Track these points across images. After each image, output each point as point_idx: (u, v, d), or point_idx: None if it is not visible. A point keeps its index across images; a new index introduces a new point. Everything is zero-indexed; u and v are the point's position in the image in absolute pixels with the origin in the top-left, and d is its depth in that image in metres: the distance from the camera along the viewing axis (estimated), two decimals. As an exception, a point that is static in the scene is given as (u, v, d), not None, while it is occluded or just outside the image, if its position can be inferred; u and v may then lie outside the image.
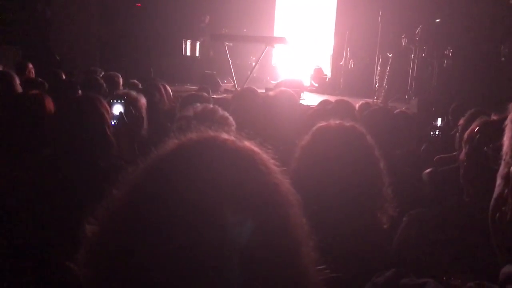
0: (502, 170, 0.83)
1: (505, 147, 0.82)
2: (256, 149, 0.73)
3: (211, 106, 2.06)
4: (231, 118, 2.05)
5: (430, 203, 2.17)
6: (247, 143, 0.73)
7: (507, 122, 0.82)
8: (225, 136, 0.73)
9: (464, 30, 8.70)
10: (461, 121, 2.85)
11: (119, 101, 2.40)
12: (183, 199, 0.63)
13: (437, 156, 3.24)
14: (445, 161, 3.13)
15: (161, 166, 0.69)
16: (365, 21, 9.63)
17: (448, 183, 2.34)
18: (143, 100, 2.66)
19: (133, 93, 2.63)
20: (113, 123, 2.23)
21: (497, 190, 0.84)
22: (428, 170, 2.81)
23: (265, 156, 0.73)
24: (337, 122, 1.54)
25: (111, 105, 2.31)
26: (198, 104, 2.03)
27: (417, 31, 8.28)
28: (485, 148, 0.93)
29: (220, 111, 2.04)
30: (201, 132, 0.73)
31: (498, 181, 0.83)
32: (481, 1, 8.86)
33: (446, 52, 8.08)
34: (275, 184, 0.70)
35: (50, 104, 2.15)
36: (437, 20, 8.32)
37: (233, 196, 0.64)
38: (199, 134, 0.73)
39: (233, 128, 1.98)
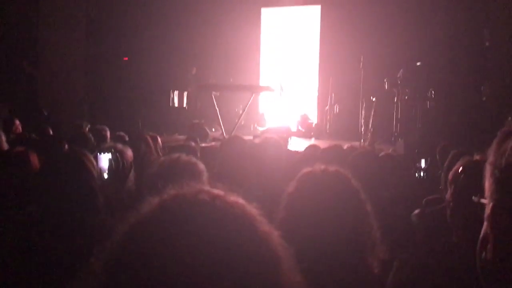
0: (486, 211, 0.84)
1: (487, 191, 0.83)
2: (242, 204, 0.69)
3: (176, 155, 2.04)
4: (200, 164, 2.03)
5: (420, 245, 2.17)
6: (234, 198, 0.69)
7: (487, 165, 0.84)
8: (210, 191, 0.69)
9: (444, 72, 8.96)
10: (446, 162, 2.89)
11: (106, 153, 2.40)
12: (166, 269, 0.58)
13: (426, 198, 3.26)
14: (433, 202, 3.15)
15: (140, 230, 0.63)
16: (347, 66, 9.89)
17: (437, 224, 2.34)
18: (129, 153, 2.67)
19: (120, 145, 2.63)
20: (105, 175, 2.22)
21: (482, 231, 0.85)
22: (416, 212, 2.81)
23: (254, 211, 0.69)
24: (322, 167, 1.55)
25: (98, 158, 2.31)
26: (166, 157, 2.02)
27: (398, 75, 8.50)
28: (473, 197, 0.94)
29: (185, 157, 2.02)
30: (182, 187, 0.69)
31: (484, 222, 0.84)
32: (459, 44, 9.19)
33: (429, 94, 8.27)
34: (267, 241, 0.66)
35: (35, 161, 2.14)
36: (418, 63, 8.57)
37: (224, 262, 0.59)
38: (179, 191, 0.68)
39: (203, 175, 1.98)
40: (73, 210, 1.89)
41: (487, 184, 0.83)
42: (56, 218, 1.86)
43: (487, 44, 8.89)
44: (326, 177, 1.51)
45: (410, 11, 9.76)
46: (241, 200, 0.70)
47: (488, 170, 0.83)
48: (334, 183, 1.49)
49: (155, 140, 4.38)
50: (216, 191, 0.69)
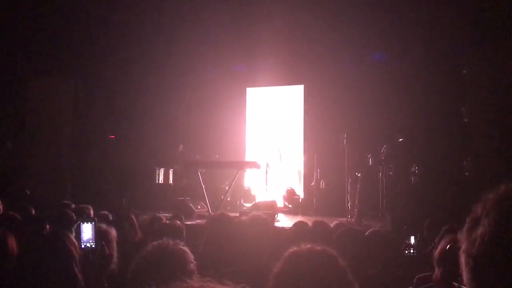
0: None
1: (464, 278, 0.82)
2: None
3: (165, 242, 1.99)
4: (188, 253, 1.99)
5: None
6: None
7: (460, 252, 0.83)
8: None
9: (427, 147, 9.16)
10: (437, 238, 2.87)
11: (88, 222, 2.33)
12: None
13: (417, 276, 3.20)
14: (425, 280, 3.09)
15: None
16: (331, 143, 10.07)
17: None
18: (113, 233, 2.61)
19: (103, 226, 2.59)
20: (92, 245, 2.15)
21: None
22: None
23: None
24: (308, 246, 1.52)
25: (80, 228, 2.24)
26: (152, 243, 1.98)
27: (382, 150, 8.65)
28: (454, 283, 0.92)
29: (175, 245, 1.98)
30: None
31: None
32: (439, 120, 9.48)
33: (412, 169, 8.39)
34: None
35: (13, 244, 2.08)
36: (400, 139, 8.76)
37: None
38: None
39: (192, 263, 1.93)
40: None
41: (464, 272, 0.81)
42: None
43: (465, 120, 9.18)
44: (313, 256, 1.48)
45: (391, 88, 10.13)
46: None
47: (462, 258, 0.82)
48: (320, 262, 1.46)
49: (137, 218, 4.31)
50: None
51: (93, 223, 2.23)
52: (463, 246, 0.81)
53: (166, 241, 2.00)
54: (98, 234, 2.24)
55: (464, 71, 9.11)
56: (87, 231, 2.20)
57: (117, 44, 10.73)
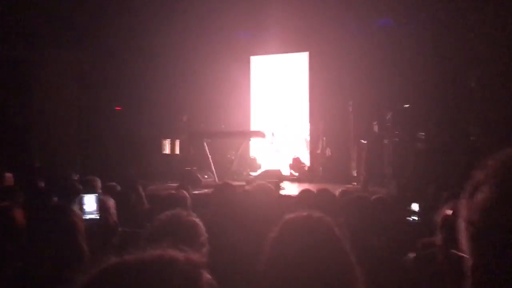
0: (467, 268, 0.80)
1: (464, 247, 0.80)
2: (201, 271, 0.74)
3: (178, 213, 2.00)
4: (200, 226, 2.01)
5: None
6: (195, 264, 0.74)
7: (460, 220, 0.81)
8: (172, 256, 0.73)
9: (433, 113, 9.09)
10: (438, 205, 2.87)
11: (90, 194, 2.36)
12: None
13: (422, 241, 3.22)
14: (429, 245, 3.11)
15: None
16: (337, 110, 10.03)
17: (430, 269, 2.30)
18: (110, 203, 2.64)
19: (103, 196, 2.61)
20: (96, 216, 2.17)
21: None
22: (412, 255, 2.77)
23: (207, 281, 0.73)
24: (305, 214, 1.52)
25: (82, 199, 2.27)
26: (165, 213, 1.99)
27: (388, 117, 8.60)
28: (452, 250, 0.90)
29: (187, 217, 1.99)
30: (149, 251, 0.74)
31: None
32: (446, 86, 9.37)
33: (418, 135, 8.35)
34: None
35: (20, 216, 2.11)
36: (406, 105, 8.70)
37: None
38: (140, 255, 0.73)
39: (202, 236, 1.95)
40: (59, 267, 1.85)
41: (463, 240, 0.79)
42: (43, 275, 1.82)
43: (472, 85, 9.07)
44: (309, 224, 1.48)
45: (397, 54, 10.00)
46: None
47: (462, 226, 0.80)
48: (316, 230, 1.46)
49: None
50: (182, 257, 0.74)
51: (95, 194, 2.25)
52: (463, 213, 0.80)
53: (179, 212, 2.02)
54: (102, 205, 2.26)
55: (472, 35, 8.94)
56: (89, 203, 2.23)
57: (121, 16, 10.61)
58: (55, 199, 3.69)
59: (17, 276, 1.84)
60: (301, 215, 1.51)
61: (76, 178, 5.21)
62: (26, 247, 1.90)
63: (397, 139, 8.32)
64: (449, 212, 1.77)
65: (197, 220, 2.05)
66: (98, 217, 2.24)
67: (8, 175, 5.84)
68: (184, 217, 1.99)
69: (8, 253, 2.00)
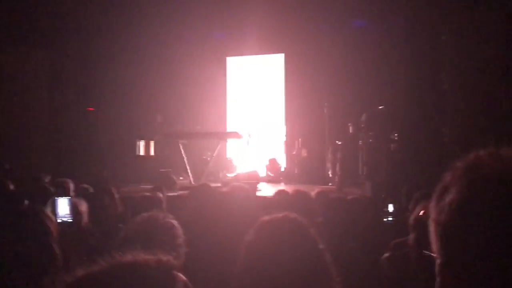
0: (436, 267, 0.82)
1: (433, 247, 0.82)
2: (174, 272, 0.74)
3: (154, 215, 1.98)
4: (177, 226, 1.99)
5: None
6: (167, 266, 0.74)
7: (430, 221, 0.82)
8: (146, 260, 0.73)
9: (406, 115, 9.24)
10: (410, 205, 2.92)
11: (63, 197, 2.31)
12: None
13: (394, 241, 3.27)
14: (401, 245, 3.16)
15: None
16: (313, 112, 10.10)
17: (403, 269, 2.33)
18: (84, 206, 2.59)
19: (74, 200, 2.57)
20: (69, 219, 2.13)
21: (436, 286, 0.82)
22: (385, 255, 2.81)
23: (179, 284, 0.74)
24: (280, 215, 1.53)
25: (55, 203, 2.22)
26: (142, 215, 1.97)
27: (362, 119, 8.71)
28: (423, 251, 0.92)
29: (163, 219, 1.97)
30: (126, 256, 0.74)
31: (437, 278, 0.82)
32: (419, 88, 9.54)
33: (392, 136, 8.48)
34: None
35: (-12, 220, 2.05)
36: (380, 107, 8.82)
37: None
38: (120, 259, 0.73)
39: (179, 239, 1.93)
40: (31, 270, 1.81)
41: (433, 240, 0.81)
42: (14, 278, 1.77)
43: (445, 87, 9.26)
44: (283, 225, 1.49)
45: (371, 56, 10.13)
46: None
47: (432, 226, 0.82)
48: (291, 231, 1.46)
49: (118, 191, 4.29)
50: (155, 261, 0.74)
51: (68, 197, 2.21)
52: (432, 214, 0.81)
53: (156, 214, 2.00)
54: (74, 208, 2.22)
55: (443, 38, 9.13)
56: (62, 206, 2.18)
57: (94, 15, 10.45)
58: (26, 202, 3.60)
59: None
60: (276, 216, 1.52)
61: (47, 180, 5.09)
62: (-4, 252, 1.85)
63: (371, 140, 8.43)
64: (421, 212, 1.80)
65: (174, 222, 2.03)
66: (70, 220, 2.19)
67: (-23, 177, 5.68)
68: (161, 219, 1.97)
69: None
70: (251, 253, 1.45)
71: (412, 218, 1.80)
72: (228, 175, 10.47)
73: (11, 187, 5.06)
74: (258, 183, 8.37)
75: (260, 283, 1.36)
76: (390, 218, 3.50)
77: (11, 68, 10.38)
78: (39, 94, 10.61)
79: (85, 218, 2.49)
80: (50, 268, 1.86)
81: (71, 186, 4.86)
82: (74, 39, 10.71)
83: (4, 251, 1.83)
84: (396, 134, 8.47)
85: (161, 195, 4.16)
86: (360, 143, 8.48)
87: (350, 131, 8.87)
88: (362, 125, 8.58)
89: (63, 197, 2.22)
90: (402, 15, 9.88)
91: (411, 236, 1.76)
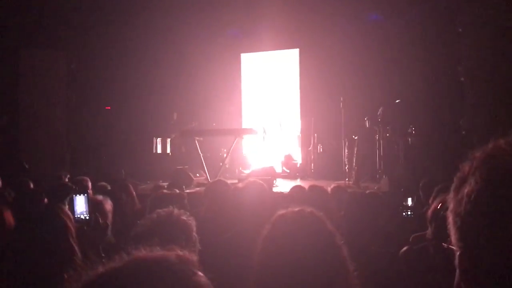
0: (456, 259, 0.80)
1: (452, 238, 0.80)
2: (192, 268, 0.74)
3: (169, 211, 1.99)
4: (190, 222, 2.00)
5: (407, 285, 2.13)
6: (187, 262, 0.74)
7: (448, 212, 0.81)
8: (166, 257, 0.73)
9: (423, 108, 9.13)
10: (430, 199, 2.88)
11: (81, 194, 2.32)
12: None
13: (413, 235, 3.24)
14: (420, 239, 3.13)
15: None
16: (328, 107, 10.04)
17: (424, 262, 2.31)
18: (108, 204, 2.62)
19: (99, 197, 2.59)
20: (86, 217, 2.14)
21: (456, 278, 0.81)
22: (404, 249, 2.79)
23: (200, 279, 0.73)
24: (297, 209, 1.52)
25: (73, 200, 2.23)
26: (157, 211, 1.98)
27: (378, 113, 8.62)
28: (443, 243, 0.90)
29: (177, 216, 1.98)
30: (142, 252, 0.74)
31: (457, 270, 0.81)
32: (436, 80, 9.42)
33: (409, 130, 8.39)
34: None
35: (9, 218, 2.08)
36: (397, 101, 8.72)
37: None
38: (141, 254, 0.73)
39: (193, 235, 1.94)
40: (50, 267, 1.83)
41: (451, 232, 0.80)
42: (32, 275, 1.80)
43: (462, 79, 9.12)
44: (300, 219, 1.48)
45: (387, 50, 10.04)
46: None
47: (450, 217, 0.80)
48: (308, 225, 1.45)
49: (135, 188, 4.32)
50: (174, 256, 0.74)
51: (85, 195, 2.22)
52: (451, 206, 0.80)
53: (170, 209, 2.01)
54: (92, 206, 2.24)
55: (460, 30, 8.98)
56: (80, 203, 2.20)
57: (110, 14, 10.54)
58: (45, 200, 3.65)
59: (8, 277, 1.82)
60: (292, 210, 1.51)
61: (67, 179, 5.16)
62: (16, 249, 1.88)
63: (388, 135, 8.35)
64: (439, 205, 1.78)
65: (189, 218, 2.04)
66: (87, 217, 2.21)
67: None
68: (176, 215, 1.98)
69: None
70: (268, 247, 1.44)
71: (430, 211, 1.77)
72: (244, 171, 10.48)
73: (31, 185, 5.16)
74: (274, 179, 8.36)
75: (277, 276, 1.35)
76: (409, 212, 3.46)
77: (29, 68, 10.53)
78: (57, 93, 10.75)
79: (104, 215, 2.51)
80: (69, 265, 1.88)
81: (89, 184, 4.93)
82: (92, 39, 10.81)
83: (25, 248, 1.86)
84: (413, 128, 8.37)
85: (183, 192, 4.19)
86: (377, 137, 8.40)
87: (367, 125, 8.79)
88: (379, 119, 8.50)
89: (81, 195, 2.24)
90: (418, 8, 9.75)
91: (429, 230, 1.73)
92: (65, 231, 1.89)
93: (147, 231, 1.89)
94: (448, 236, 0.83)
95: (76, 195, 2.22)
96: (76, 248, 1.90)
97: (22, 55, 10.54)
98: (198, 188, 7.96)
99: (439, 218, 1.65)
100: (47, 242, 1.83)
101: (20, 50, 10.44)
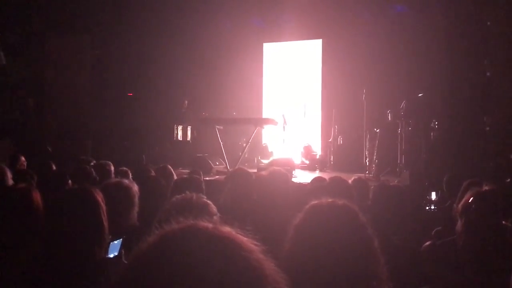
0: None
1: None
2: (236, 234, 0.74)
3: (189, 195, 2.01)
4: (211, 205, 2.01)
5: (431, 280, 2.10)
6: (227, 229, 0.74)
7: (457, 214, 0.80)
8: (204, 223, 0.73)
9: (447, 102, 8.99)
10: (459, 193, 2.84)
11: (118, 240, 2.20)
12: None
13: (436, 229, 3.20)
14: (443, 233, 3.09)
15: (144, 261, 0.69)
16: (350, 98, 9.95)
17: (448, 257, 2.28)
18: (135, 188, 2.65)
19: (126, 181, 2.62)
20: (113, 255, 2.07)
21: None
22: (427, 244, 2.75)
23: (246, 240, 0.74)
24: (330, 200, 1.52)
25: (109, 246, 2.13)
26: (177, 196, 2.00)
27: (401, 106, 8.51)
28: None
29: (198, 198, 2.00)
30: (181, 222, 0.74)
31: None
32: (460, 74, 9.25)
33: (432, 124, 8.27)
34: (259, 268, 0.70)
35: (37, 198, 2.11)
36: (420, 94, 8.59)
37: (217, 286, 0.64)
38: (179, 225, 0.73)
39: (215, 215, 1.95)
40: (80, 247, 1.85)
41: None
42: (64, 256, 1.82)
43: (488, 74, 8.94)
44: (334, 210, 1.48)
45: (412, 42, 9.88)
46: (232, 232, 0.74)
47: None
48: (341, 216, 1.46)
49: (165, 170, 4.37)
50: (212, 224, 0.74)
51: (121, 239, 2.13)
52: (459, 207, 0.80)
53: (189, 194, 2.02)
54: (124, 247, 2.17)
55: (488, 23, 8.79)
56: (114, 249, 2.08)
57: (132, 2, 10.59)
58: (70, 182, 3.71)
59: (39, 258, 1.85)
60: (326, 201, 1.51)
61: (93, 163, 5.25)
62: (46, 229, 1.91)
63: (410, 128, 8.24)
64: (470, 199, 1.76)
65: (208, 201, 2.06)
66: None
67: (22, 158, 5.90)
68: (195, 198, 1.99)
69: (28, 234, 2.02)
70: (300, 236, 1.45)
71: (461, 204, 1.75)
72: (263, 161, 10.48)
73: (54, 167, 5.25)
74: (293, 169, 8.34)
75: (309, 265, 1.35)
76: (432, 206, 3.42)
77: (55, 53, 10.68)
78: (80, 79, 10.88)
79: (134, 200, 2.55)
80: (99, 240, 1.92)
81: (112, 168, 4.99)
82: (115, 25, 10.89)
83: (54, 228, 1.88)
84: (436, 122, 8.25)
85: (200, 177, 4.22)
86: (399, 131, 8.30)
87: (389, 118, 8.69)
88: (402, 113, 8.38)
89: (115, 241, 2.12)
90: (443, 1, 9.56)
91: (459, 223, 1.71)
92: (96, 212, 1.92)
93: (167, 216, 1.90)
94: (481, 228, 0.82)
95: (112, 243, 2.10)
96: (106, 225, 1.93)
97: (48, 41, 10.68)
98: (217, 176, 8.00)
99: (471, 211, 1.62)
100: (77, 223, 1.85)
101: (46, 36, 10.58)
